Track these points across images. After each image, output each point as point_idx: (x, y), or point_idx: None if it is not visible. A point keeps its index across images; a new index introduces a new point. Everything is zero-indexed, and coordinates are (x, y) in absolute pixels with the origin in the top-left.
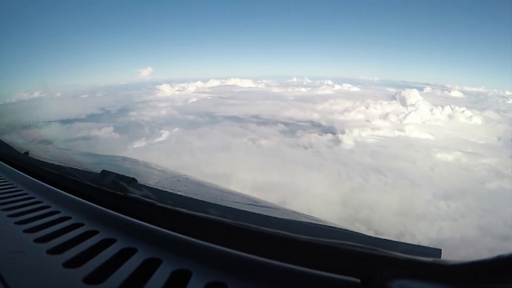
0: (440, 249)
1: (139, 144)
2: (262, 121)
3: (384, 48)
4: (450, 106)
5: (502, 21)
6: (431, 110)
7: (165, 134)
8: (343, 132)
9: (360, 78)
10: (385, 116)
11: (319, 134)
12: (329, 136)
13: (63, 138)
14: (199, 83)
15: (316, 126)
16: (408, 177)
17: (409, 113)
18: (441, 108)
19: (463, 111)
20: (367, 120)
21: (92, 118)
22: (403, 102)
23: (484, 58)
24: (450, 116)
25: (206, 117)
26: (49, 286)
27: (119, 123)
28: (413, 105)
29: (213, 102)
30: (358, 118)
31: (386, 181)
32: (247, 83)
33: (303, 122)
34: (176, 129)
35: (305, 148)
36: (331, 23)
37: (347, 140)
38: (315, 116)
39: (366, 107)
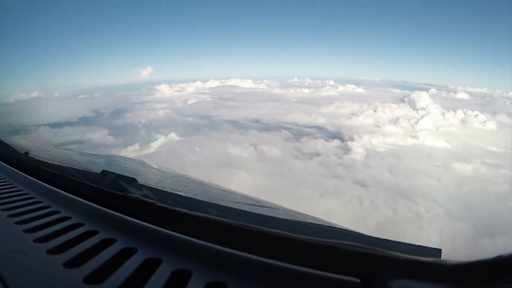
0: (440, 249)
1: (126, 153)
2: (264, 127)
3: (385, 48)
4: (463, 110)
5: (504, 21)
6: (443, 114)
7: (160, 139)
8: (352, 139)
9: (361, 78)
10: (395, 121)
11: (325, 140)
12: (338, 143)
13: (56, 141)
14: (198, 84)
15: (322, 132)
16: (439, 202)
17: (421, 117)
18: (453, 112)
19: (476, 115)
20: (377, 126)
21: (86, 120)
22: (413, 106)
23: (485, 58)
24: (463, 121)
25: (204, 121)
26: (49, 286)
27: (115, 126)
28: (423, 108)
29: (212, 104)
30: (367, 123)
31: (418, 211)
32: (247, 84)
33: (308, 127)
34: (171, 134)
35: (313, 160)
36: (331, 22)
37: (358, 148)
38: (321, 121)
39: (374, 111)
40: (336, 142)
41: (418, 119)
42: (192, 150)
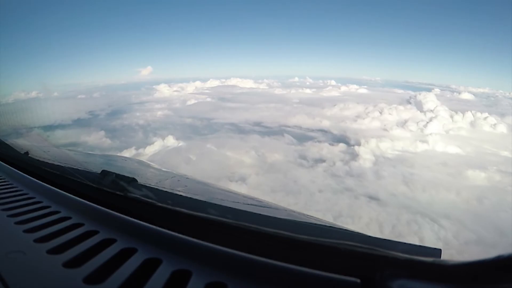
0: (440, 249)
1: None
2: (266, 131)
3: (385, 48)
4: (472, 112)
5: (505, 21)
6: (452, 117)
7: (157, 143)
8: (359, 144)
9: (362, 78)
10: (403, 124)
11: (330, 144)
12: (345, 148)
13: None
14: (198, 83)
15: (327, 136)
16: (466, 224)
17: (430, 120)
18: (461, 114)
19: (486, 118)
20: (384, 129)
21: (82, 121)
22: (420, 107)
23: (486, 57)
24: (472, 124)
25: (203, 123)
26: (49, 286)
27: (112, 127)
28: (431, 110)
29: (211, 105)
30: (373, 126)
31: (447, 238)
32: (248, 83)
33: (312, 131)
34: (169, 137)
35: (320, 168)
36: (331, 22)
37: (366, 154)
38: (325, 124)
39: (380, 113)
40: (343, 147)
41: (427, 122)
42: (187, 159)
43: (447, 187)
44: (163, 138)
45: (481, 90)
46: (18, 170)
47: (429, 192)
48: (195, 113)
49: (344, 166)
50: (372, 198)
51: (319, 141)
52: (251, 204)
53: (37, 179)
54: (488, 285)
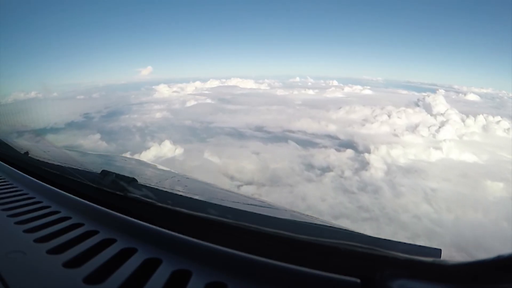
0: (440, 249)
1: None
2: (268, 137)
3: (387, 47)
4: (483, 116)
5: (506, 21)
6: (463, 120)
7: (153, 148)
8: (369, 151)
9: (363, 78)
10: (413, 129)
11: (337, 151)
12: (354, 156)
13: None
14: (198, 83)
15: (334, 142)
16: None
17: (442, 125)
18: (473, 118)
19: (498, 122)
20: (394, 134)
21: (79, 123)
22: (429, 110)
23: (488, 57)
24: (485, 128)
25: (202, 127)
26: (49, 286)
27: (109, 129)
28: (442, 114)
29: (211, 107)
30: (382, 131)
31: None
32: (248, 84)
33: (318, 137)
34: (165, 141)
35: (330, 181)
36: (331, 21)
37: (377, 163)
38: (332, 128)
39: (388, 116)
40: (352, 155)
41: (439, 127)
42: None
43: (472, 206)
44: (160, 143)
45: (484, 90)
46: (18, 170)
47: (455, 213)
48: (194, 115)
49: (355, 176)
50: (394, 222)
51: (325, 147)
52: (251, 204)
53: (37, 179)
54: (488, 285)
